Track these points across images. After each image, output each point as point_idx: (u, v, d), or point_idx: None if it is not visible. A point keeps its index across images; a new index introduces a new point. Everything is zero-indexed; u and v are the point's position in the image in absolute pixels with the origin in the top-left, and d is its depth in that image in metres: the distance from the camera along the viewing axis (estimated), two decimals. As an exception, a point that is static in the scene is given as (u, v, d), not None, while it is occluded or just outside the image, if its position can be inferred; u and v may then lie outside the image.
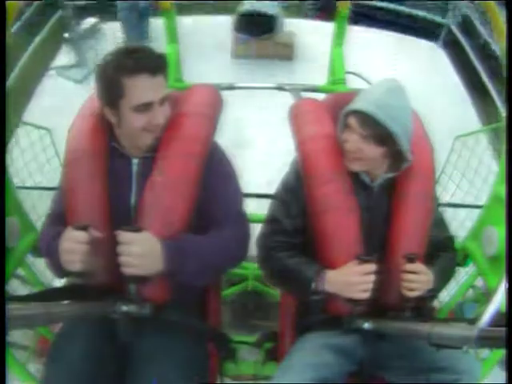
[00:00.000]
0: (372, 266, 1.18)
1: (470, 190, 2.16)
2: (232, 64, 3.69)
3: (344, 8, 2.38)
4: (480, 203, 1.79)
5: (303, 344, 1.32)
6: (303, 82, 3.37)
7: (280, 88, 2.20)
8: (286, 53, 3.69)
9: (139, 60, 1.13)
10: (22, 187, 1.93)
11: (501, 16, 1.44)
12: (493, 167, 2.16)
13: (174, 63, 2.47)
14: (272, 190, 1.43)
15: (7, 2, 1.22)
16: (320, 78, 2.76)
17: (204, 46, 3.66)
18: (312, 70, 3.30)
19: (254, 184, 1.88)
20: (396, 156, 1.27)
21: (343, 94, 1.43)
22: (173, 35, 2.51)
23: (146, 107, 1.15)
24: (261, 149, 2.97)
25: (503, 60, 1.38)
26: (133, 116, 1.16)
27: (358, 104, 1.23)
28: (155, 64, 1.15)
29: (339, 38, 2.54)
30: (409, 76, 3.58)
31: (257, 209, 1.60)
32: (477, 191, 2.09)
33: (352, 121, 1.23)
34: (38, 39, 3.25)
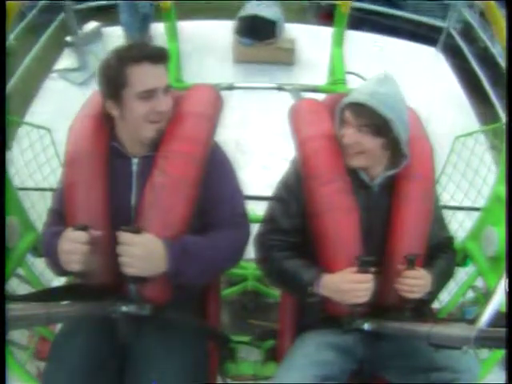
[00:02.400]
0: (368, 276, 1.18)
1: (469, 190, 2.16)
2: (233, 68, 3.69)
3: (344, 8, 2.38)
4: (480, 204, 1.79)
5: (303, 342, 1.32)
6: None
7: (280, 88, 2.20)
8: (287, 58, 3.71)
9: (141, 49, 1.17)
10: (23, 188, 1.92)
11: (501, 16, 1.44)
12: (493, 167, 2.16)
13: (174, 63, 2.47)
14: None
15: (7, 2, 1.22)
16: (320, 83, 2.77)
17: (205, 51, 3.67)
18: (312, 75, 3.31)
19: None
20: (395, 148, 1.27)
21: (343, 94, 1.42)
22: (173, 35, 2.51)
23: (149, 94, 1.17)
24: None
25: (503, 60, 1.38)
26: (137, 104, 1.17)
27: (351, 97, 1.25)
28: (157, 53, 1.18)
29: (339, 38, 2.54)
30: (408, 81, 3.59)
31: (257, 209, 1.60)
32: (477, 191, 2.09)
33: (347, 114, 1.25)
34: (40, 42, 3.26)
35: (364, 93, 1.23)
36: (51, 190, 1.65)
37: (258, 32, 3.57)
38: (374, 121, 1.21)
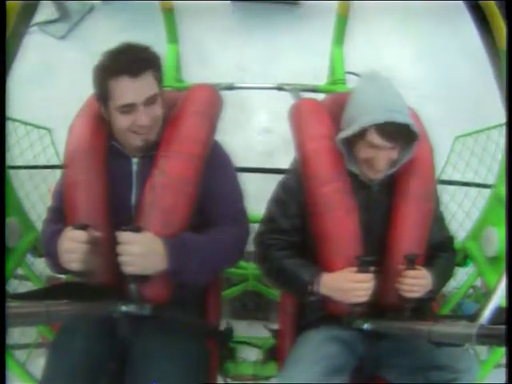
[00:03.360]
0: (368, 276, 1.18)
1: (469, 190, 2.15)
2: (230, 10, 3.43)
3: (344, 8, 2.38)
4: (480, 204, 1.78)
5: (308, 337, 1.32)
6: (310, 36, 3.19)
7: (280, 88, 2.20)
8: None
9: (121, 62, 1.15)
10: (19, 167, 1.88)
11: (501, 16, 1.44)
12: (493, 168, 2.16)
13: (174, 63, 2.46)
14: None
15: (7, 2, 1.23)
16: (329, 27, 2.55)
17: None
18: (320, 15, 3.11)
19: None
20: (403, 148, 1.25)
21: (343, 94, 1.42)
22: (173, 35, 2.50)
23: (129, 108, 1.16)
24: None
25: (503, 60, 1.38)
26: (119, 116, 1.18)
27: (371, 117, 1.18)
28: (138, 65, 1.15)
29: (339, 38, 2.53)
30: (427, 30, 3.39)
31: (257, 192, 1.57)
32: (477, 191, 2.09)
33: (375, 137, 1.18)
34: None
35: (381, 109, 1.18)
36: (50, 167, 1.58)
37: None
38: (401, 135, 1.20)
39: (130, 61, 1.15)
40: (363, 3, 2.85)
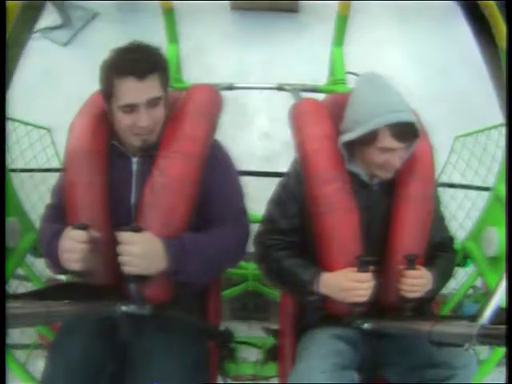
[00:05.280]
0: (368, 276, 1.18)
1: (469, 190, 2.16)
2: (230, 17, 3.45)
3: (344, 8, 2.38)
4: (480, 205, 1.78)
5: (315, 335, 1.31)
6: (309, 42, 3.20)
7: (280, 88, 2.20)
8: (291, 5, 3.37)
9: (128, 62, 1.15)
10: (21, 169, 1.89)
11: (500, 16, 1.43)
12: (493, 168, 2.16)
13: (174, 63, 2.46)
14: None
15: (7, 2, 1.23)
16: (327, 34, 2.58)
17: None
18: (319, 24, 3.11)
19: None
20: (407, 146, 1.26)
21: (343, 94, 1.42)
22: (173, 35, 2.50)
23: (130, 108, 1.17)
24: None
25: (503, 60, 1.38)
26: (120, 115, 1.19)
27: (382, 118, 1.19)
28: (144, 67, 1.15)
29: (339, 38, 2.53)
30: (423, 35, 3.41)
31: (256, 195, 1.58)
32: (477, 192, 2.09)
33: (387, 139, 1.19)
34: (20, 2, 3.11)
35: (389, 109, 1.18)
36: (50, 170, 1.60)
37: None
38: (412, 135, 1.21)
39: (137, 62, 1.15)
40: (361, 7, 2.87)
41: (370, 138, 1.21)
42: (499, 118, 1.35)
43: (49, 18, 3.33)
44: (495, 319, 0.86)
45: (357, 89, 1.32)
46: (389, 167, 1.24)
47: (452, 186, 2.05)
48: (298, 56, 3.31)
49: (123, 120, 1.19)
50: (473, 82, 2.96)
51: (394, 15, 3.61)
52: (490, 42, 1.42)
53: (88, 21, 3.44)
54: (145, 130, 1.20)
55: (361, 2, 2.80)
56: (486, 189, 1.75)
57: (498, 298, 0.88)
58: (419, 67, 3.27)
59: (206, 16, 3.46)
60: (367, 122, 1.21)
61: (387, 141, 1.20)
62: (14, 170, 1.74)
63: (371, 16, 3.49)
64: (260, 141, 2.89)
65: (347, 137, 1.27)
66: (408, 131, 1.20)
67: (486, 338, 0.86)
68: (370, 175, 1.31)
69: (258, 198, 1.43)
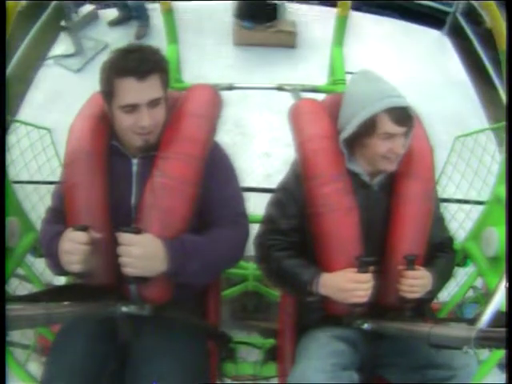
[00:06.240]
0: (367, 276, 1.18)
1: (469, 190, 2.15)
2: (233, 52, 3.62)
3: (344, 9, 2.38)
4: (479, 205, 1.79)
5: (314, 336, 1.31)
6: (306, 73, 3.34)
7: (280, 88, 2.20)
8: (289, 41, 3.62)
9: (130, 62, 1.15)
10: (21, 182, 1.92)
11: (501, 16, 1.44)
12: (493, 168, 2.16)
13: (174, 64, 2.46)
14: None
15: (7, 2, 1.22)
16: (323, 66, 2.73)
17: (204, 33, 3.60)
18: (315, 57, 3.28)
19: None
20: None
21: (343, 94, 1.42)
22: (173, 35, 2.50)
23: (132, 108, 1.17)
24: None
25: (503, 60, 1.38)
26: (121, 115, 1.19)
27: (380, 103, 1.20)
28: (146, 67, 1.15)
29: (339, 38, 2.53)
30: (413, 64, 3.57)
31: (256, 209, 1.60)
32: (477, 192, 2.09)
33: (386, 124, 1.20)
34: (35, 27, 3.11)
35: (385, 95, 1.20)
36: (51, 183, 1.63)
37: (258, 14, 3.47)
38: (409, 120, 1.23)
39: (138, 62, 1.15)
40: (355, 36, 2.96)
41: (369, 127, 1.22)
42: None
43: (62, 46, 3.52)
44: (494, 322, 0.86)
45: (350, 86, 1.34)
46: (393, 156, 1.24)
47: (446, 200, 2.07)
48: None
49: (124, 120, 1.19)
50: (463, 105, 3.14)
51: (387, 42, 3.79)
52: (480, 71, 1.43)
53: (99, 51, 3.58)
54: (146, 129, 1.20)
55: (355, 31, 2.91)
56: (480, 203, 1.77)
57: (498, 301, 0.88)
58: (410, 89, 3.35)
59: (211, 49, 3.63)
60: (363, 110, 1.22)
61: (388, 126, 1.20)
62: (17, 182, 1.75)
63: (365, 43, 3.65)
64: (260, 159, 3.00)
65: (347, 131, 1.27)
66: (405, 116, 1.21)
67: (484, 341, 0.85)
68: (371, 174, 1.31)
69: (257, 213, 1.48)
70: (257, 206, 1.53)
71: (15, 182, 1.68)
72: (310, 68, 3.47)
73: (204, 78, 3.30)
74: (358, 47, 3.11)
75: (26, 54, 2.91)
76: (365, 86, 1.26)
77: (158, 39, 3.58)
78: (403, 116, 1.21)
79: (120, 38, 3.70)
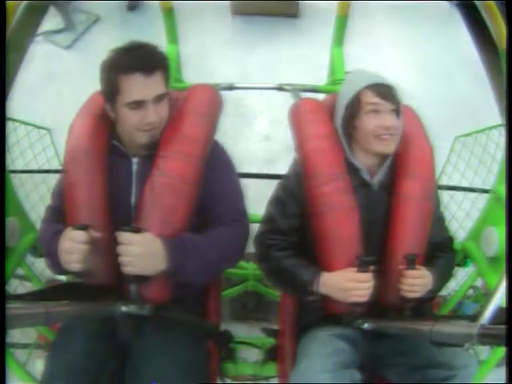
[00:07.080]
0: (368, 276, 1.18)
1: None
2: (231, 22, 3.48)
3: (344, 8, 2.38)
4: (480, 206, 1.78)
5: (315, 335, 1.31)
6: (310, 47, 3.27)
7: (280, 88, 2.20)
8: (291, 9, 3.43)
9: (134, 59, 1.16)
10: (20, 170, 1.90)
11: (501, 16, 1.44)
12: (493, 168, 2.16)
13: (174, 63, 2.46)
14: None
15: (7, 2, 1.23)
16: (327, 38, 2.63)
17: (201, 3, 3.42)
18: (319, 28, 3.14)
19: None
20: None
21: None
22: (173, 35, 2.50)
23: (138, 105, 1.17)
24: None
25: (503, 60, 1.38)
26: (126, 113, 1.19)
27: (361, 81, 1.28)
28: (151, 63, 1.17)
29: (339, 38, 2.53)
30: (422, 43, 3.47)
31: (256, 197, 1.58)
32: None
33: (369, 97, 1.26)
34: (22, 4, 3.12)
35: (367, 76, 1.29)
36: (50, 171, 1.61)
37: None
38: (394, 97, 1.27)
39: (144, 59, 1.16)
40: (362, 10, 2.90)
41: (355, 106, 1.28)
42: (499, 119, 1.36)
43: (52, 21, 3.36)
44: (495, 319, 0.86)
45: (343, 83, 1.41)
46: (385, 133, 1.25)
47: (452, 188, 2.06)
48: (298, 60, 3.35)
49: (130, 117, 1.19)
50: (473, 86, 3.00)
51: (395, 18, 3.66)
52: (489, 45, 1.43)
53: (90, 25, 3.48)
54: (152, 125, 1.21)
55: (361, 4, 2.82)
56: (486, 191, 1.75)
57: (498, 298, 0.89)
58: (420, 70, 3.30)
59: (207, 20, 3.49)
60: (348, 92, 1.30)
61: (371, 99, 1.26)
62: (14, 171, 1.74)
63: (371, 18, 3.53)
64: (260, 143, 2.92)
65: (338, 116, 1.33)
66: (388, 91, 1.27)
67: (486, 337, 0.86)
68: (371, 170, 1.31)
69: (258, 200, 1.45)
70: (257, 193, 1.51)
71: (11, 171, 1.65)
72: (313, 41, 3.31)
73: (201, 54, 3.23)
74: (365, 20, 3.00)
75: (14, 33, 2.85)
76: (352, 76, 1.35)
77: (150, 12, 3.49)
78: (386, 91, 1.26)
79: (112, 10, 3.56)
